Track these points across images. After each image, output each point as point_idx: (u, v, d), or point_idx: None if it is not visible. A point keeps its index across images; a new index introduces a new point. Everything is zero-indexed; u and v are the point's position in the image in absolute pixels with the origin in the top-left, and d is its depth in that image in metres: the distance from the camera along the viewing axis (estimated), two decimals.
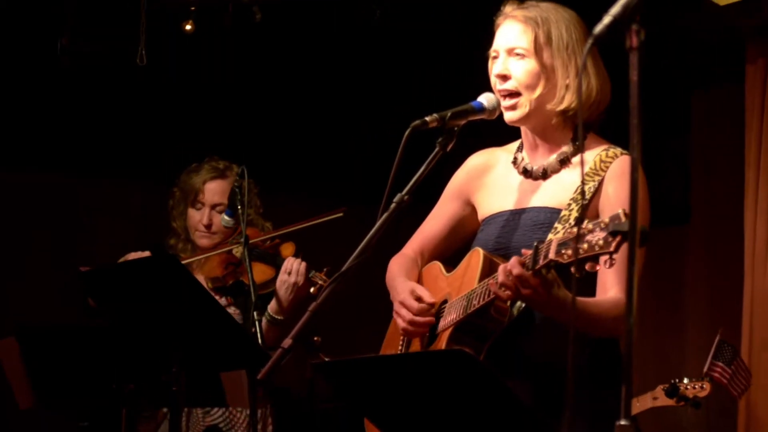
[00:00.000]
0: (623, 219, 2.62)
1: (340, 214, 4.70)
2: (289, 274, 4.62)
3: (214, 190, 4.89)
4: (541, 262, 2.87)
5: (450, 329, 3.20)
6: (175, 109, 6.28)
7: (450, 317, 3.23)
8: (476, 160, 3.51)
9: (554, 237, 2.89)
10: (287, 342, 2.93)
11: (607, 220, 2.68)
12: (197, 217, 4.88)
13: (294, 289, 4.62)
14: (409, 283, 3.39)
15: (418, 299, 3.31)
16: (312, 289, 4.62)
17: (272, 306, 4.66)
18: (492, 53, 3.32)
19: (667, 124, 6.23)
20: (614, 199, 3.13)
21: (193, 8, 5.82)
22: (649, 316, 6.27)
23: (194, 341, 3.67)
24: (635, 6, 2.25)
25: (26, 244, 6.18)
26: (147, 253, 4.59)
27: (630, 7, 2.25)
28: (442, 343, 3.21)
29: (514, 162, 3.39)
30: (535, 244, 2.92)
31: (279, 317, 4.64)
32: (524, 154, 3.38)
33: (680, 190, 6.47)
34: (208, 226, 4.86)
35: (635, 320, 2.25)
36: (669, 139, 6.26)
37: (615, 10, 2.26)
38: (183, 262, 4.71)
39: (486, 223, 3.38)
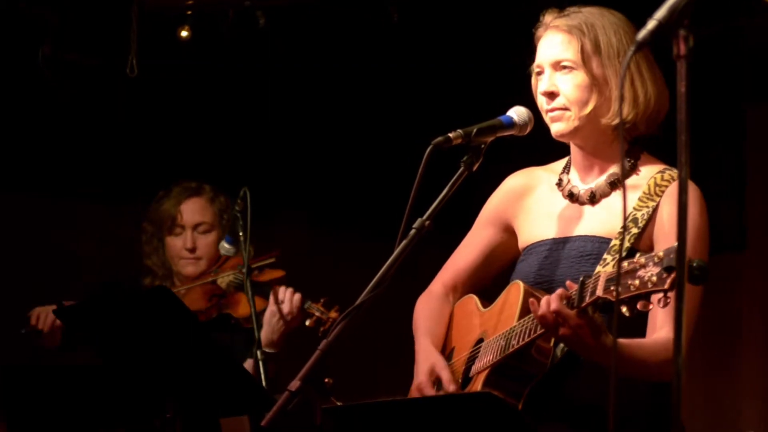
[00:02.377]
0: None
1: (272, 260, 4.74)
2: (282, 303, 4.62)
3: (193, 209, 4.92)
4: (588, 299, 2.87)
5: (486, 372, 3.18)
6: (170, 124, 6.29)
7: (486, 358, 3.21)
8: (514, 181, 3.51)
9: (602, 271, 2.87)
10: (295, 384, 2.91)
11: (661, 253, 2.68)
12: (179, 243, 4.90)
13: (286, 321, 4.61)
14: (431, 356, 3.36)
15: (437, 381, 3.29)
16: (308, 322, 4.63)
17: (262, 338, 4.66)
18: (535, 69, 3.33)
19: (718, 140, 6.22)
20: (670, 228, 3.10)
21: (189, 12, 5.84)
22: (699, 356, 6.24)
23: (191, 383, 3.67)
24: (683, 9, 2.24)
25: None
26: (53, 307, 4.64)
27: (677, 10, 2.24)
28: (476, 387, 3.19)
29: (559, 184, 3.39)
30: (581, 278, 2.91)
31: (270, 350, 4.64)
32: (571, 175, 3.38)
33: (734, 213, 6.44)
34: (193, 250, 4.88)
35: (683, 364, 2.24)
36: (721, 157, 6.25)
37: (660, 14, 2.25)
38: (186, 287, 4.75)
39: (527, 252, 3.37)
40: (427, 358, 3.37)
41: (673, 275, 2.63)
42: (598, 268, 3.09)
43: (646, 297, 2.72)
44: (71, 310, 3.79)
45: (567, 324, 2.90)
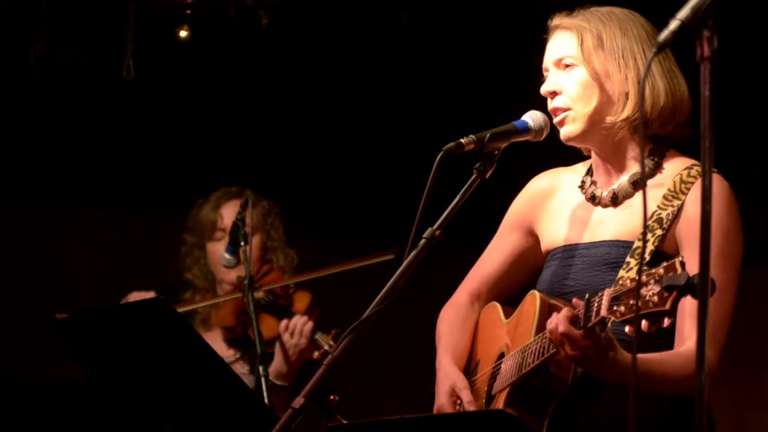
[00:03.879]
0: (679, 270, 2.59)
1: (392, 257, 4.68)
2: (291, 335, 4.63)
3: (234, 212, 4.93)
4: (593, 319, 2.87)
5: (506, 390, 3.19)
6: (168, 130, 6.30)
7: (505, 376, 3.22)
8: (538, 183, 3.52)
9: (606, 290, 2.87)
10: (299, 401, 2.92)
11: (662, 270, 2.67)
12: (221, 249, 4.93)
13: (296, 352, 4.63)
14: (450, 374, 3.36)
15: (457, 401, 3.29)
16: (316, 354, 4.62)
17: (273, 369, 4.67)
18: (544, 72, 3.34)
19: (744, 145, 6.21)
20: (696, 228, 3.04)
21: (189, 12, 5.84)
22: (724, 372, 6.23)
23: (189, 401, 3.68)
24: (707, 9, 2.24)
25: None
26: (152, 294, 4.63)
27: (701, 10, 2.24)
28: (498, 406, 3.19)
29: (582, 186, 3.39)
30: (587, 296, 2.91)
31: (280, 383, 4.66)
32: (594, 177, 3.38)
33: (761, 222, 6.43)
34: None
35: (706, 380, 2.24)
36: (747, 163, 6.24)
37: (683, 13, 2.25)
38: (192, 307, 4.74)
39: (551, 258, 3.38)
40: (447, 377, 3.37)
41: (674, 294, 2.61)
42: (621, 273, 3.09)
43: (649, 317, 2.70)
44: (68, 322, 3.79)
45: (575, 345, 2.91)
